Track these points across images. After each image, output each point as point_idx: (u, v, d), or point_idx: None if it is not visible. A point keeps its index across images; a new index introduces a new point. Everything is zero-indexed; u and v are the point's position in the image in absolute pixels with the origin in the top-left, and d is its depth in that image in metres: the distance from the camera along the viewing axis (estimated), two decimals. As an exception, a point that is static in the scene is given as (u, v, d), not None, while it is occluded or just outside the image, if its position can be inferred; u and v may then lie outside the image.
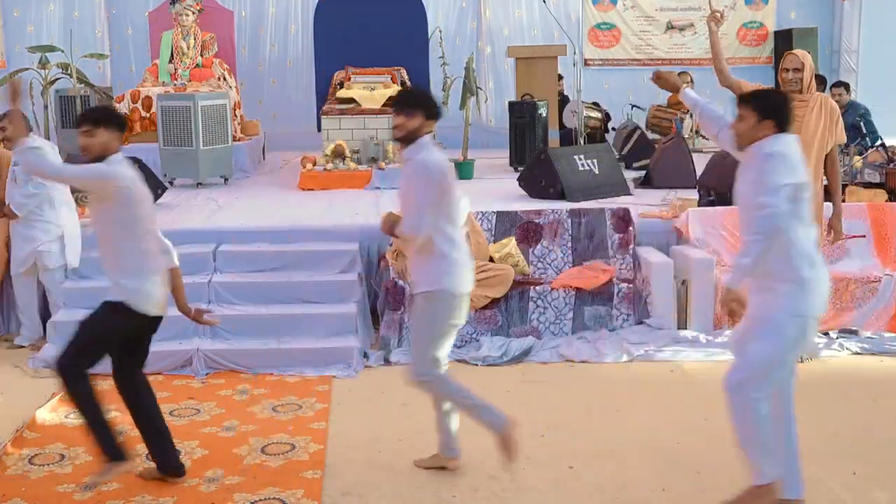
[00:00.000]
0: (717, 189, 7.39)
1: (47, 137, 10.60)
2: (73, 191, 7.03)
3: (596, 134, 11.07)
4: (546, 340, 6.22)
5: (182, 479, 4.17)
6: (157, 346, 5.84)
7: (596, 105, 11.54)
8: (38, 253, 6.28)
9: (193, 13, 11.02)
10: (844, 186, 7.47)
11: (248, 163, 10.22)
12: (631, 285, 6.51)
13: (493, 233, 6.86)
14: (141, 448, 4.25)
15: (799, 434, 4.67)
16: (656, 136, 11.12)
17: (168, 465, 4.19)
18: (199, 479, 4.23)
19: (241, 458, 4.48)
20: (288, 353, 5.87)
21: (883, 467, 4.30)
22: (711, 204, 7.26)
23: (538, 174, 8.11)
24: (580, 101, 9.90)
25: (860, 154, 8.30)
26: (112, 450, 4.00)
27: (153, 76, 10.91)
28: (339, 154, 9.20)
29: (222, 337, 6.00)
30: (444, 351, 4.19)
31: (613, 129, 11.45)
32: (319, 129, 9.97)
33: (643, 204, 7.66)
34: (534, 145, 9.52)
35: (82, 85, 11.01)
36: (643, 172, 9.19)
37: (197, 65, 10.91)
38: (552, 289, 6.42)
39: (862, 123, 9.40)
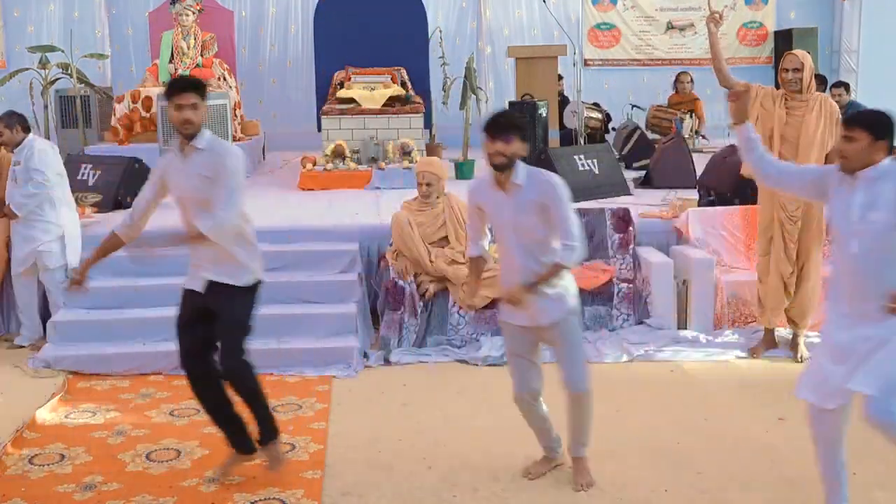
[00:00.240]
0: (717, 189, 7.39)
1: (47, 137, 10.60)
2: (74, 190, 7.05)
3: (596, 134, 11.06)
4: (546, 340, 6.22)
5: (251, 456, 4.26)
6: (157, 346, 5.91)
7: (596, 105, 11.54)
8: (39, 253, 6.29)
9: (193, 13, 11.01)
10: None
11: (248, 163, 10.20)
12: (631, 285, 6.51)
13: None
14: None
15: (799, 434, 4.67)
16: (656, 136, 11.11)
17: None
18: (199, 479, 4.23)
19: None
20: (288, 353, 5.87)
21: (883, 467, 4.30)
22: (711, 204, 7.26)
23: (538, 174, 8.10)
24: (580, 101, 9.90)
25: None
26: (273, 431, 4.18)
27: (153, 76, 10.90)
28: (339, 154, 9.20)
29: (222, 337, 6.00)
30: None
31: (613, 129, 11.45)
32: (319, 129, 9.96)
33: (643, 204, 7.66)
34: (534, 145, 9.50)
35: (82, 85, 11.01)
36: (643, 172, 9.18)
37: (197, 65, 10.90)
38: (552, 289, 6.41)
39: (862, 123, 9.38)
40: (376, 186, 8.83)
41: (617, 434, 4.74)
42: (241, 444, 4.25)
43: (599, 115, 11.32)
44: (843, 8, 13.79)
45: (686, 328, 6.40)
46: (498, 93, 13.47)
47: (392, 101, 9.83)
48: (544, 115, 9.83)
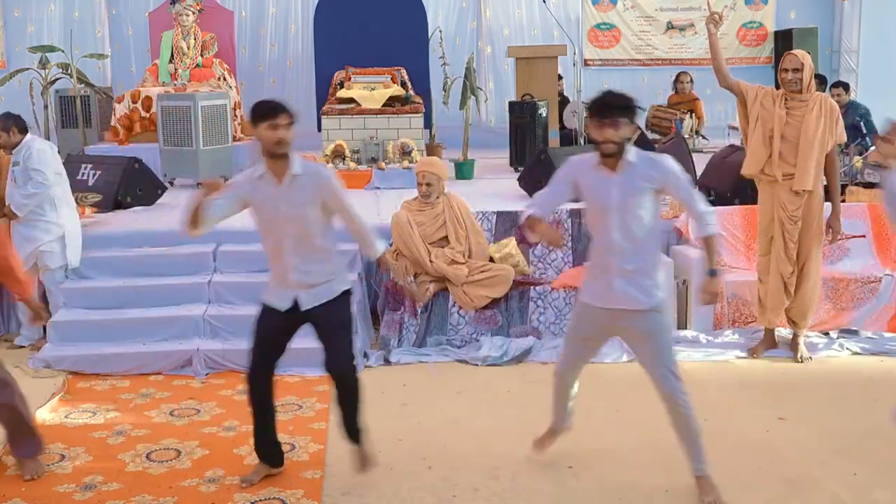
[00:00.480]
0: (717, 189, 7.39)
1: (47, 137, 10.60)
2: (74, 190, 7.04)
3: (596, 134, 11.06)
4: (546, 340, 6.22)
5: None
6: (157, 346, 5.91)
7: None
8: (40, 253, 6.28)
9: (193, 13, 11.01)
10: (844, 186, 7.47)
11: (248, 163, 10.13)
12: (631, 285, 6.51)
13: (493, 233, 6.86)
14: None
15: (799, 434, 4.68)
16: (656, 136, 11.10)
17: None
18: (199, 479, 4.24)
19: (242, 458, 4.49)
20: (288, 353, 5.84)
21: (883, 467, 4.30)
22: (711, 204, 7.24)
23: (538, 174, 8.10)
24: (580, 101, 9.90)
25: (860, 154, 8.30)
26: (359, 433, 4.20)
27: (153, 76, 10.90)
28: (339, 154, 9.20)
29: (222, 337, 6.01)
30: None
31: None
32: (319, 129, 9.96)
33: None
34: (534, 145, 9.51)
35: (82, 85, 11.01)
36: (643, 172, 9.17)
37: (197, 65, 10.90)
38: (552, 289, 6.42)
39: (862, 123, 9.39)
40: (376, 186, 8.83)
41: (617, 434, 4.74)
42: (275, 456, 4.29)
43: (599, 116, 11.30)
44: (843, 8, 13.79)
45: (686, 328, 6.40)
46: (498, 93, 13.47)
47: (392, 101, 9.82)
48: (544, 115, 9.83)
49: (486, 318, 6.27)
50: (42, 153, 6.24)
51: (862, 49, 13.65)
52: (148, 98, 10.17)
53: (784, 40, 12.92)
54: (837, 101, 7.74)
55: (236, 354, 5.84)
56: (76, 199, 7.08)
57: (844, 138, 5.85)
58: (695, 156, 9.18)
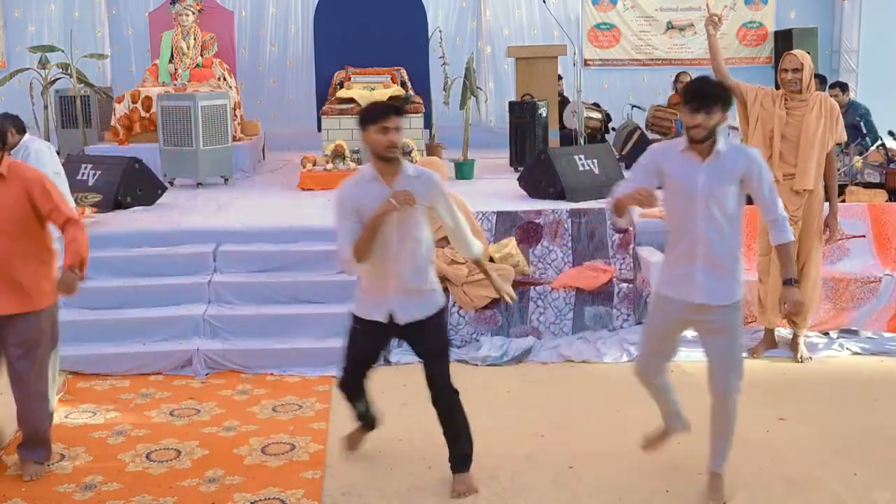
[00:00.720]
0: (717, 189, 7.38)
1: (47, 137, 10.60)
2: (74, 190, 7.03)
3: (596, 134, 11.07)
4: (546, 340, 6.22)
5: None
6: (157, 346, 5.91)
7: (596, 105, 11.54)
8: (39, 253, 6.27)
9: (193, 13, 11.01)
10: (844, 186, 7.48)
11: (248, 163, 10.22)
12: (631, 285, 6.51)
13: (493, 233, 6.86)
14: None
15: (799, 434, 4.68)
16: (656, 136, 11.11)
17: None
18: (199, 479, 4.23)
19: (241, 458, 4.49)
20: (288, 353, 5.87)
21: (883, 467, 4.30)
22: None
23: (538, 174, 8.11)
24: (580, 101, 9.90)
25: (860, 154, 8.30)
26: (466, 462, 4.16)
27: (153, 76, 10.90)
28: (339, 154, 9.20)
29: (222, 337, 6.01)
30: None
31: (613, 129, 11.45)
32: (319, 129, 9.97)
33: (643, 204, 7.65)
34: (534, 145, 9.51)
35: (82, 85, 11.01)
36: (643, 172, 9.17)
37: (197, 65, 10.90)
38: (552, 289, 6.42)
39: (862, 123, 9.40)
40: (376, 186, 8.82)
41: (617, 434, 4.74)
42: (371, 420, 4.44)
43: (599, 115, 11.33)
44: (843, 8, 13.79)
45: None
46: (498, 93, 13.47)
47: (392, 101, 9.83)
48: (544, 115, 9.84)
49: (485, 318, 6.27)
50: (40, 153, 6.22)
51: (862, 49, 13.66)
52: (148, 98, 10.17)
53: (784, 40, 12.93)
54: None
55: (236, 354, 5.85)
56: (76, 200, 7.07)
57: (845, 137, 5.85)
58: (695, 156, 9.18)
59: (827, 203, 5.78)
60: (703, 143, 3.69)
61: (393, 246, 3.91)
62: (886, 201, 7.28)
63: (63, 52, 10.95)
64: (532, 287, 6.41)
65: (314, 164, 9.27)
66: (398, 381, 5.61)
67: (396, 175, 3.91)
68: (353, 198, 3.93)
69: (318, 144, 9.80)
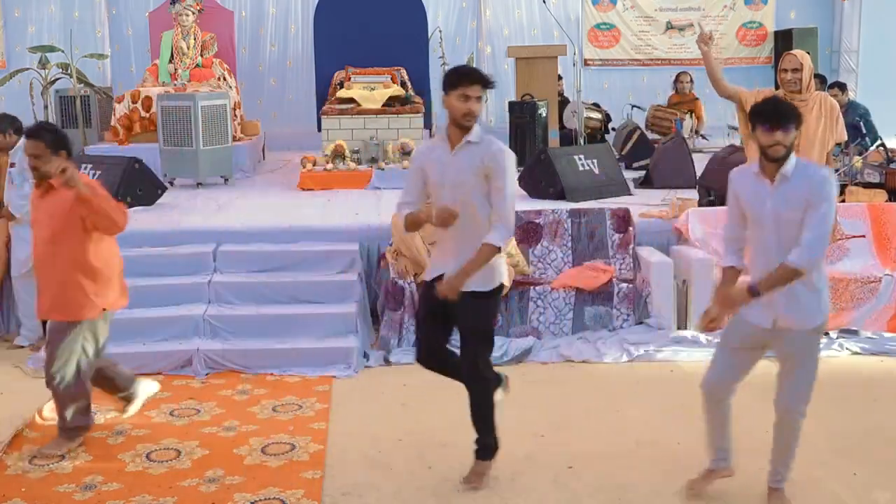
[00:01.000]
0: (717, 189, 7.38)
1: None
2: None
3: (596, 134, 11.07)
4: (546, 340, 6.22)
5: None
6: (157, 346, 5.91)
7: (596, 105, 11.54)
8: (38, 254, 6.27)
9: (193, 13, 11.01)
10: (844, 186, 7.48)
11: (248, 163, 10.22)
12: (631, 285, 6.51)
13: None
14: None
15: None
16: (656, 136, 11.12)
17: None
18: (199, 479, 4.23)
19: (241, 458, 4.49)
20: (288, 353, 5.87)
21: (883, 467, 4.30)
22: (711, 204, 7.26)
23: (538, 174, 8.12)
24: (580, 101, 9.90)
25: (860, 154, 8.30)
26: (496, 442, 4.14)
27: (153, 76, 10.90)
28: (339, 154, 9.20)
29: (222, 337, 6.01)
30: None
31: (613, 129, 11.45)
32: (319, 129, 9.96)
33: (643, 204, 7.66)
34: (534, 145, 9.51)
35: (82, 85, 11.01)
36: (643, 172, 9.19)
37: (197, 65, 10.90)
38: (552, 289, 6.42)
39: (862, 123, 9.40)
40: (376, 186, 8.83)
41: (617, 434, 4.74)
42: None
43: (599, 115, 11.33)
44: (843, 8, 13.79)
45: (686, 328, 6.40)
46: (498, 93, 13.46)
47: (392, 101, 9.83)
48: (544, 115, 9.83)
49: (486, 318, 6.26)
50: None
51: (862, 49, 13.66)
52: (148, 98, 10.17)
53: (784, 40, 12.93)
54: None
55: (236, 354, 5.85)
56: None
57: (845, 137, 5.86)
58: (695, 156, 9.19)
59: None
60: (778, 163, 3.63)
61: (461, 219, 3.90)
62: (886, 201, 7.27)
63: (63, 52, 10.95)
64: (532, 287, 6.41)
65: (314, 164, 9.27)
66: (398, 381, 5.61)
67: (460, 140, 3.92)
68: (421, 156, 4.05)
69: (318, 144, 9.80)
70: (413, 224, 4.00)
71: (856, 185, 7.66)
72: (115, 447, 4.63)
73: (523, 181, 8.32)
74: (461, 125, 3.88)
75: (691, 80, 11.81)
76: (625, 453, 4.48)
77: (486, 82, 3.87)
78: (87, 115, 11.04)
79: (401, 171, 8.93)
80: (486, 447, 4.15)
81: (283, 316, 6.14)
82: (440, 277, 3.99)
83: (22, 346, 6.34)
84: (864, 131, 9.33)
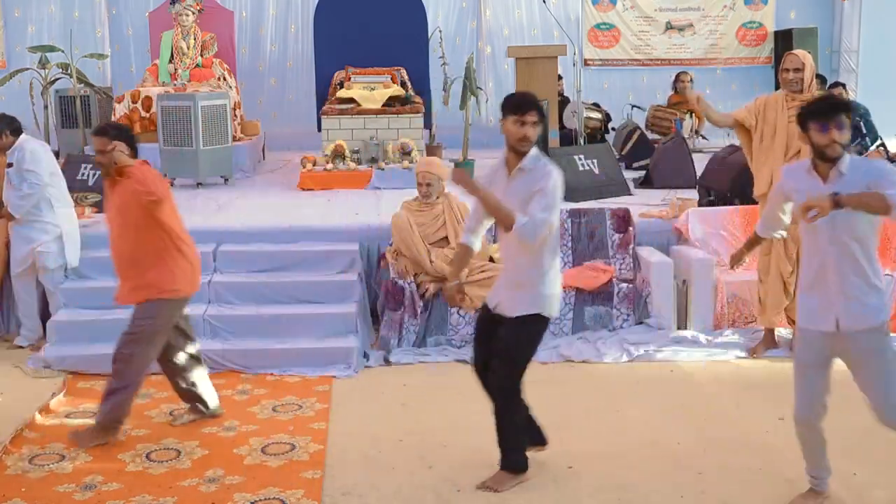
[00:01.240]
0: (717, 189, 7.39)
1: (47, 138, 10.60)
2: (74, 190, 7.04)
3: (596, 134, 11.07)
4: (546, 340, 6.19)
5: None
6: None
7: (596, 105, 11.54)
8: (38, 254, 6.28)
9: (193, 13, 11.01)
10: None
11: (248, 163, 10.21)
12: (631, 285, 6.51)
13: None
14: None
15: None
16: (656, 136, 11.12)
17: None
18: (199, 479, 4.23)
19: (241, 457, 4.49)
20: (288, 353, 5.87)
21: (883, 467, 4.30)
22: (711, 204, 7.27)
23: (538, 174, 8.11)
24: (580, 101, 9.90)
25: (860, 154, 8.30)
26: (523, 460, 4.16)
27: (153, 76, 10.90)
28: (339, 154, 9.20)
29: (222, 337, 6.01)
30: None
31: (613, 129, 11.45)
32: (319, 129, 9.96)
33: (643, 204, 7.66)
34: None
35: (82, 85, 11.00)
36: (643, 172, 9.19)
37: (197, 65, 10.90)
38: (552, 289, 6.41)
39: (862, 123, 9.40)
40: (376, 186, 8.83)
41: (617, 434, 4.74)
42: (531, 436, 4.31)
43: (599, 115, 11.32)
44: (843, 8, 13.79)
45: (686, 328, 6.40)
46: (498, 93, 13.46)
47: (392, 101, 9.82)
48: (544, 115, 9.82)
49: (486, 318, 6.26)
50: (35, 153, 6.22)
51: (862, 49, 13.66)
52: (148, 98, 10.17)
53: (784, 40, 12.92)
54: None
55: (236, 354, 5.85)
56: (76, 200, 7.07)
57: (846, 134, 5.86)
58: (695, 156, 9.19)
59: None
60: (831, 162, 3.58)
61: (505, 237, 3.99)
62: (886, 201, 7.27)
63: (63, 52, 10.94)
64: (532, 287, 6.40)
65: (314, 164, 9.27)
66: (398, 381, 5.61)
67: (516, 165, 3.97)
68: (484, 179, 4.09)
69: (318, 144, 9.80)
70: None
71: (856, 185, 7.65)
72: (115, 447, 4.63)
73: (523, 181, 8.32)
74: (517, 150, 3.94)
75: (691, 80, 11.81)
76: (625, 453, 4.48)
77: (539, 107, 3.93)
78: (87, 115, 11.03)
79: (401, 171, 8.93)
80: (505, 456, 4.15)
81: (283, 316, 6.14)
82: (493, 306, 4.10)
83: (22, 347, 6.33)
84: (864, 131, 9.32)
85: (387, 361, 6.00)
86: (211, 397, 4.98)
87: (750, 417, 4.98)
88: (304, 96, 12.80)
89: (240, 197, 8.58)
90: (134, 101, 10.31)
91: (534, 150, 3.97)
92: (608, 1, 13.66)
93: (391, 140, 9.42)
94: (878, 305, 3.64)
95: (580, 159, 8.30)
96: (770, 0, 13.75)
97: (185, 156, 9.05)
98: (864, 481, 4.13)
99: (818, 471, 3.95)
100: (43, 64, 10.99)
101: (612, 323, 6.41)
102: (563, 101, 11.21)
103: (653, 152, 9.69)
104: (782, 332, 6.13)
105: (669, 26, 13.71)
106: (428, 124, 10.34)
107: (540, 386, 5.52)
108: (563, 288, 6.38)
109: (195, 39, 10.99)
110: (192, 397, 4.96)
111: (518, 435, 4.15)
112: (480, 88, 10.98)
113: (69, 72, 10.81)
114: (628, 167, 9.89)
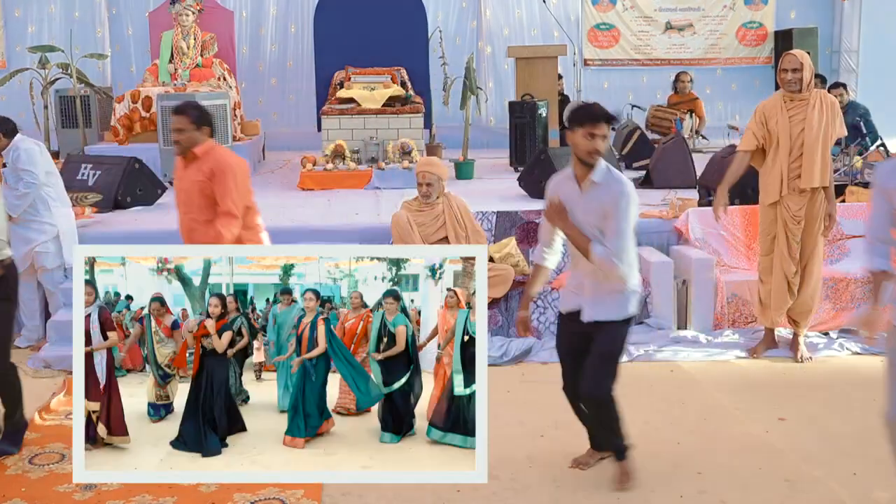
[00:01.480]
0: (717, 189, 7.37)
1: (47, 138, 10.61)
2: (74, 190, 7.03)
3: (596, 134, 11.06)
4: (546, 340, 6.21)
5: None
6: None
7: (596, 105, 11.53)
8: (36, 254, 6.27)
9: (193, 13, 11.02)
10: (844, 186, 7.47)
11: (248, 163, 10.20)
12: (631, 285, 6.51)
13: (493, 233, 6.86)
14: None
15: (799, 434, 4.67)
16: (656, 136, 11.12)
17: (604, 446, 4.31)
18: (199, 479, 4.23)
19: (241, 458, 4.48)
20: (288, 353, 5.86)
21: (883, 467, 4.29)
22: (711, 204, 7.26)
23: (538, 174, 8.11)
24: (580, 101, 9.90)
25: (860, 154, 8.31)
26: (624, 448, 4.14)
27: (153, 76, 10.91)
28: (339, 154, 9.20)
29: (222, 337, 6.00)
30: None
31: (613, 129, 11.45)
32: (319, 129, 9.97)
33: (643, 204, 7.62)
34: (534, 145, 9.52)
35: (82, 85, 11.01)
36: (643, 172, 9.19)
37: (197, 65, 10.91)
38: (552, 289, 6.41)
39: (862, 123, 9.40)
40: (376, 186, 8.83)
41: (617, 434, 4.73)
42: (597, 442, 4.33)
43: (599, 116, 11.31)
44: (843, 8, 13.80)
45: (686, 328, 6.40)
46: (498, 93, 13.48)
47: (392, 101, 9.83)
48: (544, 115, 9.83)
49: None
50: (30, 153, 6.20)
51: (862, 49, 13.66)
52: (148, 98, 10.17)
53: (784, 40, 12.93)
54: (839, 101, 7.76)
55: (236, 354, 5.84)
56: (76, 200, 7.07)
57: (845, 132, 5.87)
58: (695, 156, 9.19)
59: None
60: (588, 168, 3.68)
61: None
62: (886, 201, 7.26)
63: (63, 52, 10.95)
64: (532, 287, 6.40)
65: (314, 164, 9.27)
66: (398, 381, 5.60)
67: (585, 178, 3.93)
68: (552, 190, 4.05)
69: (318, 144, 9.81)
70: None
71: (856, 185, 7.66)
72: (115, 447, 4.62)
73: (523, 181, 8.33)
74: (585, 162, 3.90)
75: (691, 80, 11.82)
76: (625, 453, 4.48)
77: (611, 120, 3.91)
78: (87, 115, 11.05)
79: (401, 171, 8.93)
80: (616, 448, 4.15)
81: (283, 316, 6.13)
82: (576, 313, 4.04)
83: (21, 347, 6.33)
84: (865, 131, 9.33)
85: (387, 361, 5.99)
86: None
87: (750, 417, 4.98)
88: (304, 96, 12.82)
89: (240, 197, 8.56)
90: (134, 101, 10.31)
91: (602, 162, 3.93)
92: (608, 1, 13.67)
93: (391, 140, 9.43)
94: None
95: (580, 159, 8.28)
96: (770, 0, 13.76)
97: (185, 156, 9.03)
98: (864, 481, 4.13)
99: None
100: (43, 64, 11.00)
101: (612, 323, 6.40)
102: (563, 101, 11.21)
103: (653, 152, 9.69)
104: (782, 332, 6.13)
105: (669, 26, 13.72)
106: (428, 124, 10.35)
107: (540, 386, 5.53)
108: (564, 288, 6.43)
109: (195, 39, 10.99)
110: None
111: (618, 424, 4.13)
112: (480, 88, 10.99)
113: (69, 72, 10.82)
114: (628, 167, 9.90)
